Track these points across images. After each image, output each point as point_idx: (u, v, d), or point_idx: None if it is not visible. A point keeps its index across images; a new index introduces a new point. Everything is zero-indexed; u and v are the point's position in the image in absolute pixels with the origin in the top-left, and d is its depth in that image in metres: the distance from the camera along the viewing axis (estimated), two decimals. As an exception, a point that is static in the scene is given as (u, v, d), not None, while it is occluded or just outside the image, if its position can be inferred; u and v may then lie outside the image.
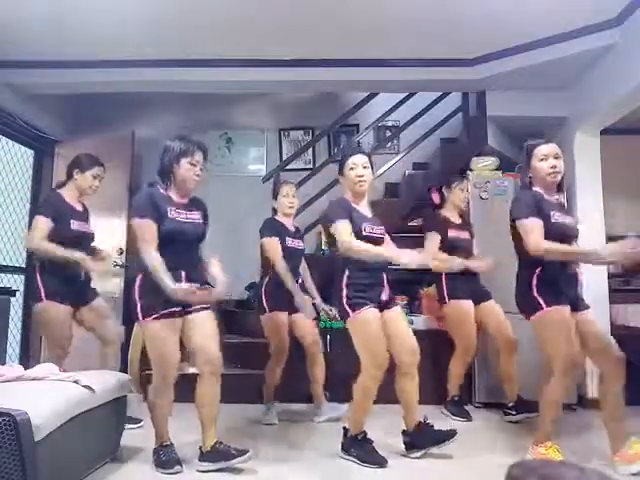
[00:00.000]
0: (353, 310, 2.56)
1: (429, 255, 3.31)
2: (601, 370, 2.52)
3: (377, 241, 2.67)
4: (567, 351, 2.40)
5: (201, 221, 2.58)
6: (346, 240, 2.55)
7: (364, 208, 2.74)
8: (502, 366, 3.45)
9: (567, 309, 2.47)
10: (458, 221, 3.68)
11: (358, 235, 2.59)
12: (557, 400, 2.47)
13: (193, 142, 2.51)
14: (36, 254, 3.00)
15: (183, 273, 2.41)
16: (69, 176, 3.08)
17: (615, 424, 2.46)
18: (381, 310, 2.63)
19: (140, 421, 3.04)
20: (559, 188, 2.63)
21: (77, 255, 2.89)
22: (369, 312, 2.56)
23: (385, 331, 2.59)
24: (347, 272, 2.60)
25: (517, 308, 2.62)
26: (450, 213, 3.68)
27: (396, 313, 2.69)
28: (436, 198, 3.79)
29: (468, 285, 3.51)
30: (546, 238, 2.41)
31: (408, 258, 2.47)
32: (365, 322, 2.56)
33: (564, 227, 2.51)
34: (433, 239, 3.55)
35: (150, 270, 2.34)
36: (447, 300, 3.53)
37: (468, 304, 3.49)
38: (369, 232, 2.63)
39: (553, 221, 2.46)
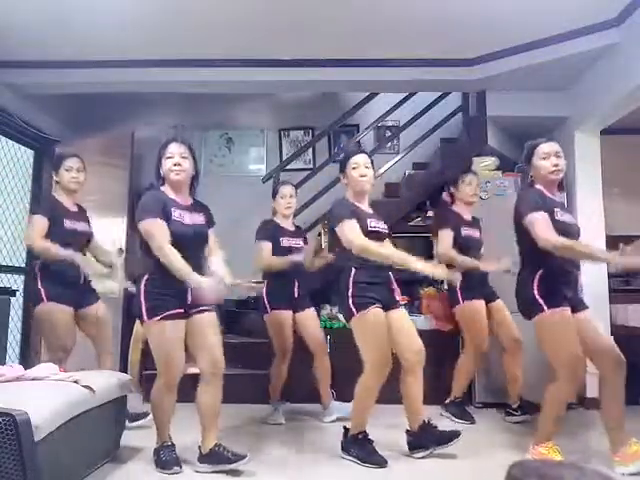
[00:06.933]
0: (358, 310, 2.56)
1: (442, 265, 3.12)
2: (600, 371, 2.50)
3: (383, 236, 2.70)
4: (571, 354, 2.38)
5: (204, 223, 2.57)
6: (361, 241, 2.53)
7: (366, 207, 2.76)
8: (507, 367, 3.42)
9: (568, 311, 2.46)
10: (470, 218, 3.57)
11: (364, 230, 2.59)
12: (562, 401, 2.44)
13: (169, 138, 2.53)
14: (35, 252, 2.99)
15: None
16: (55, 181, 3.08)
17: (615, 425, 2.44)
18: (386, 310, 2.63)
19: (147, 414, 2.96)
20: (560, 187, 2.62)
21: (77, 258, 2.87)
22: (375, 312, 2.56)
23: (390, 331, 2.59)
24: (354, 271, 2.60)
25: (518, 309, 2.61)
26: (461, 210, 3.56)
27: (401, 313, 2.69)
28: (447, 197, 3.67)
29: (480, 285, 3.47)
30: None
31: (421, 266, 2.46)
32: (371, 321, 2.56)
33: (567, 225, 2.50)
34: (446, 236, 3.40)
35: (154, 270, 2.36)
36: (461, 302, 3.45)
37: (480, 304, 3.44)
38: (374, 227, 2.66)
39: (557, 218, 2.45)
